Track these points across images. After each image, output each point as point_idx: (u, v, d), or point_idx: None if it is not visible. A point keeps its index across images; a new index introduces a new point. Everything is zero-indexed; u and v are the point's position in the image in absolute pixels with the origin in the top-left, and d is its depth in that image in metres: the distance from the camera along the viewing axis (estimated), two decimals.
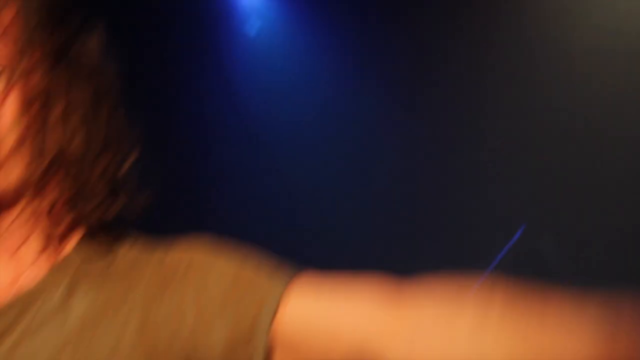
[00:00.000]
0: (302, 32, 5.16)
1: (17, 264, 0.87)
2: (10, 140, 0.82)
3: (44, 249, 0.87)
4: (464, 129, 4.59)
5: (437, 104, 4.77)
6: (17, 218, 0.85)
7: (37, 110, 0.84)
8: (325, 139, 4.90)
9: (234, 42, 5.13)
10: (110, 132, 0.87)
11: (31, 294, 0.84)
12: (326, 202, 4.70)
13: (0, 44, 0.83)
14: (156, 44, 5.07)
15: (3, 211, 0.85)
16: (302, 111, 5.00)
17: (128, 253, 0.89)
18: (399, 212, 4.65)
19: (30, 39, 0.84)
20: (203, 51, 5.05)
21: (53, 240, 0.87)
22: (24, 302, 0.84)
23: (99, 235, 0.89)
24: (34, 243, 0.87)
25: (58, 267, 0.87)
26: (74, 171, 0.86)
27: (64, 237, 0.88)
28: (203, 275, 0.83)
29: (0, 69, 0.82)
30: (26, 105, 0.83)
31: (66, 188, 0.87)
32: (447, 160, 4.66)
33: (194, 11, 5.16)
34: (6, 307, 0.83)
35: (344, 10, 5.13)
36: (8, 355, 0.80)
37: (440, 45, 4.73)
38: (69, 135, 0.85)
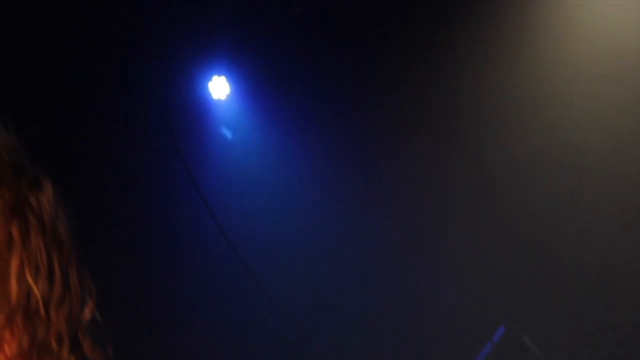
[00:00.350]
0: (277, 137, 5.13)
1: None
2: None
3: None
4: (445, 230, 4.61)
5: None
6: None
7: None
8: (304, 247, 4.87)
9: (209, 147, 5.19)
10: (67, 283, 0.90)
11: None
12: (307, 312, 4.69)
13: None
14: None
15: None
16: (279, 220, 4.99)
17: None
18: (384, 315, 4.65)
19: None
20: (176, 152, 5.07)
21: None
22: None
23: None
24: None
25: None
26: (33, 323, 0.88)
27: None
28: None
29: None
30: None
31: (25, 341, 0.88)
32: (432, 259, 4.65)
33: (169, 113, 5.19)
34: None
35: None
36: None
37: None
38: (27, 287, 0.88)
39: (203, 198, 5.01)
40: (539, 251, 4.37)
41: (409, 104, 4.87)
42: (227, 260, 4.89)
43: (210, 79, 5.04)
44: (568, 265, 4.21)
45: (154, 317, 4.66)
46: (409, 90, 4.94)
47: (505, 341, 4.12)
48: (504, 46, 4.49)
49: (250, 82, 5.05)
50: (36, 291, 0.88)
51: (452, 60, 4.76)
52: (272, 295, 4.64)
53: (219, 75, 5.00)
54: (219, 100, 5.05)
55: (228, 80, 5.01)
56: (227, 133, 5.08)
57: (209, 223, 5.06)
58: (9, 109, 0.99)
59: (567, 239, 4.25)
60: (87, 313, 0.93)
